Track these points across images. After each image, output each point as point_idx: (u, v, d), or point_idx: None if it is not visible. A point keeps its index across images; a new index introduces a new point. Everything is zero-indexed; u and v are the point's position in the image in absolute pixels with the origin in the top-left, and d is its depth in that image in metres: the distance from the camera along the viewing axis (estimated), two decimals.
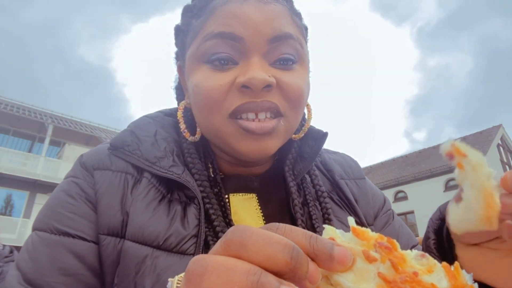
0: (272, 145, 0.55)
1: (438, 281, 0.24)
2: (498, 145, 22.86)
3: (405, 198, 23.51)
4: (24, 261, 0.50)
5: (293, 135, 0.65)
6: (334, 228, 0.28)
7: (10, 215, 15.41)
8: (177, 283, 0.40)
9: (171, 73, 0.71)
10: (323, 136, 0.67)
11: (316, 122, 0.68)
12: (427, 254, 0.26)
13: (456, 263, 0.26)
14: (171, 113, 0.69)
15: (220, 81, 0.54)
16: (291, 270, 0.23)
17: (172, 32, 0.67)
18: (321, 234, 0.27)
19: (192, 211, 0.53)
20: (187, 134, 0.61)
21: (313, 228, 0.60)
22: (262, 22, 0.54)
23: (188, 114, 0.64)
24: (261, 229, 0.25)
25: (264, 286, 0.22)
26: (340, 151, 0.82)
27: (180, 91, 0.68)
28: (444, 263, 0.26)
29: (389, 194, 23.46)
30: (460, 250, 0.44)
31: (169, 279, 0.41)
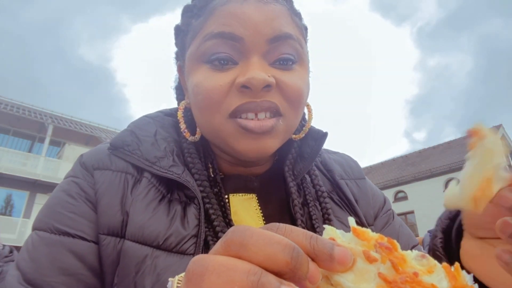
0: (271, 145, 0.55)
1: (438, 282, 0.24)
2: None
3: (405, 198, 23.51)
4: (24, 261, 0.50)
5: (293, 135, 0.65)
6: (335, 229, 0.28)
7: (10, 215, 15.41)
8: (178, 283, 0.40)
9: (171, 73, 0.71)
10: (323, 136, 0.67)
11: (316, 122, 0.68)
12: (427, 255, 0.26)
13: (457, 263, 0.26)
14: (171, 113, 0.69)
15: (220, 81, 0.54)
16: (292, 270, 0.23)
17: (172, 32, 0.67)
18: (321, 234, 0.27)
19: (192, 211, 0.53)
20: (187, 134, 0.61)
21: (313, 228, 0.60)
22: (262, 22, 0.54)
23: (188, 114, 0.64)
24: (262, 229, 0.25)
25: (264, 286, 0.22)
26: (340, 151, 0.82)
27: (180, 91, 0.68)
28: (445, 263, 0.26)
29: (389, 194, 23.46)
30: (464, 239, 0.45)
31: (170, 279, 0.41)
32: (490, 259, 0.41)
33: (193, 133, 0.62)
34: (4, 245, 2.35)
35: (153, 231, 0.50)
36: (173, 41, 0.68)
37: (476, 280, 0.43)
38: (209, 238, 0.53)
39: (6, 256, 2.28)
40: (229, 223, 0.56)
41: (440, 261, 0.46)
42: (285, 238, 0.24)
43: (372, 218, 0.69)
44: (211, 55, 0.55)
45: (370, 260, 0.25)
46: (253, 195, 0.62)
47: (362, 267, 0.25)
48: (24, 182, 15.43)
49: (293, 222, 0.60)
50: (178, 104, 0.66)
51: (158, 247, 0.49)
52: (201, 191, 0.56)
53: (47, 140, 17.03)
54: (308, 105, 0.65)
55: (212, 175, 0.61)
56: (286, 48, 0.56)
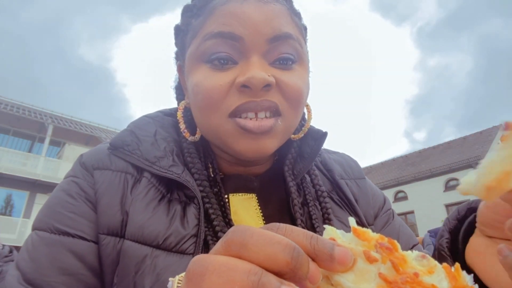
0: (270, 145, 0.55)
1: (439, 282, 0.24)
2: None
3: (405, 198, 23.52)
4: (24, 261, 0.50)
5: (293, 135, 0.65)
6: (335, 229, 0.28)
7: (10, 215, 15.41)
8: (178, 283, 0.40)
9: (171, 73, 0.71)
10: (322, 135, 0.67)
11: (316, 122, 0.68)
12: (427, 255, 0.26)
13: (457, 264, 0.26)
14: (171, 113, 0.69)
15: (220, 81, 0.54)
16: (292, 270, 0.23)
17: (172, 32, 0.67)
18: (321, 234, 0.27)
19: (191, 210, 0.53)
20: (187, 134, 0.61)
21: (313, 228, 0.60)
22: (261, 22, 0.54)
23: (188, 114, 0.64)
24: (262, 229, 0.25)
25: (264, 286, 0.22)
26: (340, 151, 0.82)
27: (180, 91, 0.68)
28: (445, 264, 0.26)
29: (389, 194, 23.47)
30: (473, 236, 0.46)
31: (170, 279, 0.41)
32: (493, 257, 0.42)
33: (193, 133, 0.62)
34: (3, 245, 2.35)
35: (153, 230, 0.50)
36: (173, 41, 0.68)
37: (476, 280, 0.44)
38: (209, 237, 0.53)
39: (6, 256, 2.28)
40: (228, 223, 0.56)
41: (445, 261, 0.46)
42: (286, 238, 0.24)
43: (372, 218, 0.69)
44: (211, 55, 0.55)
45: (370, 260, 0.25)
46: (253, 195, 0.62)
47: (363, 267, 0.25)
48: (24, 182, 15.43)
49: (293, 222, 0.60)
50: (178, 104, 0.66)
51: (157, 246, 0.49)
52: (200, 191, 0.56)
53: (47, 140, 17.03)
54: (307, 105, 0.65)
55: (212, 175, 0.61)
56: (286, 48, 0.56)
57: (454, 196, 20.72)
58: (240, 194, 0.62)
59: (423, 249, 0.67)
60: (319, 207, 0.63)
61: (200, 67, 0.56)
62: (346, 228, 0.62)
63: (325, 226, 0.29)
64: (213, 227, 0.54)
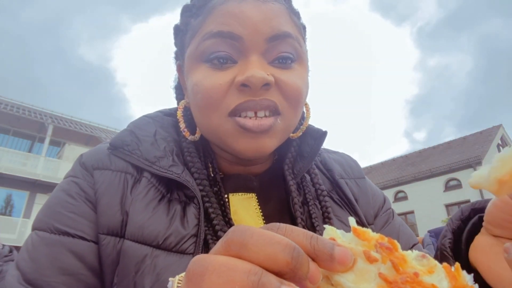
0: (270, 144, 0.55)
1: (439, 282, 0.24)
2: (498, 145, 22.87)
3: (405, 198, 23.52)
4: (24, 261, 0.50)
5: (292, 134, 0.65)
6: (335, 229, 0.28)
7: (10, 215, 15.41)
8: (178, 283, 0.40)
9: (171, 73, 0.71)
10: (322, 135, 0.67)
11: (316, 122, 0.68)
12: (427, 255, 0.26)
13: (457, 264, 0.26)
14: (171, 113, 0.69)
15: (220, 80, 0.54)
16: (292, 270, 0.23)
17: (172, 32, 0.67)
18: (321, 233, 0.27)
19: (191, 210, 0.53)
20: (187, 134, 0.61)
21: (313, 227, 0.60)
22: (260, 21, 0.54)
23: (188, 113, 0.64)
24: (262, 229, 0.25)
25: (265, 286, 0.22)
26: (340, 151, 0.82)
27: (180, 91, 0.68)
28: (445, 264, 0.26)
29: (389, 194, 23.49)
30: (479, 235, 0.47)
31: (170, 279, 0.41)
32: (497, 256, 0.42)
33: (192, 132, 0.62)
34: (3, 245, 2.35)
35: (153, 230, 0.50)
36: (173, 41, 0.68)
37: (479, 279, 0.44)
38: (209, 237, 0.53)
39: (6, 256, 2.28)
40: (228, 222, 0.56)
41: (447, 261, 0.47)
42: (286, 238, 0.24)
43: (372, 217, 0.69)
44: (210, 54, 0.55)
45: (370, 260, 0.25)
46: (253, 194, 0.62)
47: (363, 267, 0.25)
48: (24, 182, 15.43)
49: (293, 221, 0.60)
50: (178, 104, 0.66)
51: (157, 246, 0.49)
52: (200, 190, 0.56)
53: (47, 140, 17.03)
54: (306, 104, 0.65)
55: (212, 175, 0.61)
56: (285, 47, 0.56)
57: (454, 196, 20.74)
58: (240, 193, 0.62)
59: (423, 249, 0.67)
60: (319, 206, 0.64)
61: (199, 67, 0.56)
62: (346, 227, 0.62)
63: (325, 226, 0.29)
64: (213, 226, 0.54)
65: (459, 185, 20.91)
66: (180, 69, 0.67)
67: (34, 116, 16.92)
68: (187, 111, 0.64)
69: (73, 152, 16.91)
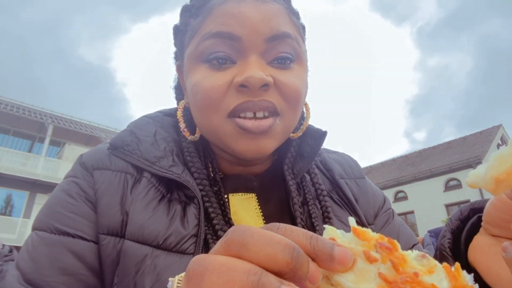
0: (269, 145, 0.55)
1: (439, 282, 0.24)
2: (498, 145, 22.86)
3: (405, 198, 23.53)
4: (24, 261, 0.50)
5: (292, 134, 0.65)
6: (335, 229, 0.28)
7: (10, 215, 15.41)
8: (178, 283, 0.40)
9: (171, 73, 0.71)
10: (322, 135, 0.67)
11: (316, 122, 0.68)
12: (427, 255, 0.26)
13: (457, 263, 0.26)
14: (171, 113, 0.69)
15: (219, 80, 0.54)
16: (292, 270, 0.23)
17: (172, 32, 0.67)
18: (321, 233, 0.27)
19: (191, 210, 0.53)
20: (187, 134, 0.61)
21: (312, 227, 0.60)
22: (259, 21, 0.54)
23: (188, 113, 0.64)
24: (262, 229, 0.25)
25: (264, 286, 0.22)
26: (340, 151, 0.82)
27: (180, 91, 0.68)
28: (445, 263, 0.26)
29: (389, 194, 23.49)
30: (478, 235, 0.47)
31: (170, 279, 0.41)
32: (496, 256, 0.42)
33: (192, 132, 0.62)
34: (3, 245, 2.35)
35: (153, 230, 0.50)
36: (173, 41, 0.68)
37: (478, 279, 0.44)
38: (209, 237, 0.53)
39: (6, 255, 2.28)
40: (228, 222, 0.56)
41: (446, 261, 0.47)
42: (286, 238, 0.24)
43: (372, 217, 0.69)
44: (209, 55, 0.55)
45: (370, 260, 0.25)
46: (253, 194, 0.62)
47: (363, 267, 0.25)
48: (24, 182, 15.43)
49: (293, 221, 0.60)
50: (178, 104, 0.66)
51: (158, 246, 0.49)
52: (200, 190, 0.56)
53: (47, 140, 17.03)
54: (306, 104, 0.65)
55: (212, 175, 0.61)
56: (284, 47, 0.56)
57: (454, 196, 20.74)
58: (239, 194, 0.62)
59: (423, 249, 0.67)
60: (318, 206, 0.64)
61: (198, 67, 0.56)
62: (346, 227, 0.62)
63: (325, 226, 0.29)
64: (213, 226, 0.54)
65: (459, 185, 20.91)
66: (179, 69, 0.67)
67: (34, 116, 16.92)
68: (187, 111, 0.64)
69: (73, 152, 16.91)
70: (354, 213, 0.66)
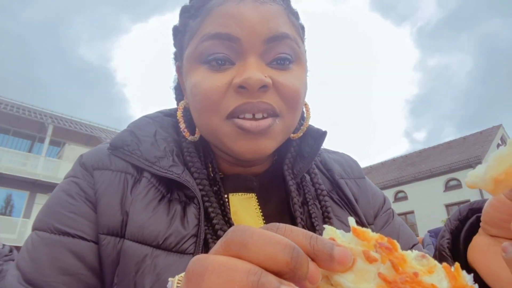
0: (268, 145, 0.55)
1: (439, 282, 0.24)
2: (498, 145, 22.85)
3: (405, 198, 23.53)
4: (24, 261, 0.50)
5: (292, 134, 0.65)
6: (335, 229, 0.28)
7: (10, 215, 15.40)
8: (178, 283, 0.40)
9: (171, 73, 0.71)
10: (322, 135, 0.67)
11: (316, 122, 0.68)
12: (427, 255, 0.26)
13: (457, 264, 0.26)
14: (171, 114, 0.69)
15: (218, 82, 0.54)
16: (291, 270, 0.23)
17: (171, 32, 0.67)
18: (320, 233, 0.27)
19: (191, 210, 0.54)
20: (186, 134, 0.61)
21: (312, 227, 0.60)
22: (258, 23, 0.54)
23: (188, 114, 0.64)
24: (262, 229, 0.25)
25: (264, 286, 0.22)
26: (340, 151, 0.82)
27: (179, 92, 0.68)
28: (445, 264, 0.26)
29: (389, 194, 23.49)
30: (477, 235, 0.47)
31: (170, 279, 0.41)
32: (495, 256, 0.42)
33: (192, 132, 0.62)
34: (4, 245, 2.35)
35: (153, 230, 0.50)
36: (172, 41, 0.68)
37: (477, 279, 0.44)
38: (209, 236, 0.53)
39: (6, 255, 2.28)
40: (228, 222, 0.56)
41: (446, 261, 0.47)
42: (285, 238, 0.24)
43: (372, 217, 0.69)
44: (209, 56, 0.55)
45: (370, 260, 0.25)
46: (253, 194, 0.62)
47: (362, 267, 0.25)
48: (24, 182, 15.43)
49: (293, 221, 0.60)
50: (177, 104, 0.66)
51: (158, 246, 0.49)
52: (200, 190, 0.56)
53: (47, 140, 17.03)
54: (306, 104, 0.65)
55: (212, 175, 0.62)
56: (283, 48, 0.56)
57: (454, 196, 20.74)
58: (239, 194, 0.62)
59: (423, 249, 0.67)
60: (318, 206, 0.64)
61: (198, 68, 0.56)
62: (346, 227, 0.62)
63: (324, 226, 0.29)
64: (213, 226, 0.54)
65: (459, 185, 20.91)
66: (179, 70, 0.67)
67: (34, 116, 16.92)
68: (186, 111, 0.64)
69: (73, 152, 16.91)
70: (354, 213, 0.66)
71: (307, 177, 0.67)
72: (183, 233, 0.51)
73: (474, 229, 0.49)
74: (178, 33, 0.64)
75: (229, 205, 0.59)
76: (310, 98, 0.64)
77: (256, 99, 0.53)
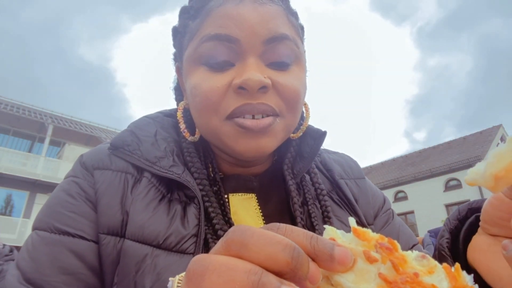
0: (269, 144, 0.56)
1: (439, 282, 0.24)
2: (498, 145, 22.81)
3: (405, 198, 23.53)
4: (24, 261, 0.50)
5: (292, 134, 0.66)
6: (335, 229, 0.28)
7: (10, 215, 15.40)
8: (178, 283, 0.40)
9: (171, 73, 0.71)
10: (322, 135, 0.67)
11: (316, 122, 0.68)
12: (427, 255, 0.26)
13: (457, 264, 0.26)
14: (171, 114, 0.69)
15: (218, 82, 0.54)
16: (292, 270, 0.23)
17: (171, 33, 0.67)
18: (320, 233, 0.27)
19: (192, 210, 0.54)
20: (187, 134, 0.61)
21: (312, 227, 0.60)
22: (257, 24, 0.54)
23: (188, 114, 0.64)
24: (262, 229, 0.25)
25: (265, 286, 0.22)
26: (340, 151, 0.82)
27: (179, 92, 0.69)
28: (445, 264, 0.26)
29: (389, 194, 23.49)
30: (476, 235, 0.47)
31: (170, 279, 0.41)
32: (496, 255, 0.42)
33: (192, 133, 0.63)
34: (4, 244, 2.35)
35: (153, 230, 0.50)
36: (172, 42, 0.68)
37: (477, 279, 0.44)
38: (209, 236, 0.53)
39: (6, 255, 2.28)
40: (228, 222, 0.56)
41: (445, 261, 0.47)
42: (286, 238, 0.24)
43: (372, 218, 0.69)
44: (208, 57, 0.55)
45: (370, 260, 0.25)
46: (253, 194, 0.62)
47: (363, 267, 0.25)
48: (24, 182, 15.43)
49: (293, 221, 0.60)
50: (177, 105, 0.66)
51: (158, 246, 0.49)
52: (200, 190, 0.56)
53: (47, 140, 17.03)
54: (305, 104, 0.66)
55: (212, 175, 0.62)
56: (282, 49, 0.56)
57: (454, 196, 20.75)
58: (239, 194, 0.62)
59: (423, 249, 0.67)
60: (318, 206, 0.64)
61: (197, 69, 0.56)
62: (346, 227, 0.62)
63: (325, 226, 0.29)
64: (213, 226, 0.54)
65: (459, 185, 20.92)
66: (179, 70, 0.67)
67: (34, 116, 16.92)
68: (186, 112, 0.64)
69: (73, 152, 16.92)
70: (354, 213, 0.66)
71: (307, 177, 0.68)
72: (183, 233, 0.51)
73: (473, 228, 0.49)
74: (178, 34, 0.64)
75: (229, 205, 0.59)
76: (310, 98, 0.64)
77: (256, 100, 0.53)
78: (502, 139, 23.39)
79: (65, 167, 15.44)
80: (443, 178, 21.78)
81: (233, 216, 0.58)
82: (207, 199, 0.56)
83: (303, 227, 0.59)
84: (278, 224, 0.27)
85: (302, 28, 0.65)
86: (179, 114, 0.63)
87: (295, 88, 0.56)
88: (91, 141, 18.56)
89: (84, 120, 19.73)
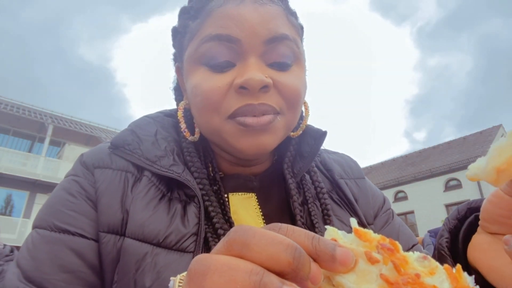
0: (270, 141, 0.56)
1: (440, 283, 0.24)
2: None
3: (405, 198, 23.53)
4: (24, 259, 0.50)
5: (292, 133, 0.66)
6: (336, 229, 0.28)
7: (10, 215, 15.40)
8: (179, 282, 0.40)
9: (171, 73, 0.71)
10: (322, 135, 0.67)
11: (316, 121, 0.68)
12: (429, 256, 0.26)
13: (458, 265, 0.26)
14: (171, 114, 0.69)
15: (218, 82, 0.54)
16: (293, 271, 0.23)
17: (170, 33, 0.67)
18: (321, 232, 0.27)
19: (192, 209, 0.54)
20: (187, 134, 0.62)
21: (312, 226, 0.60)
22: (258, 24, 0.54)
23: (188, 114, 0.64)
24: (264, 229, 0.25)
25: (266, 286, 0.22)
26: (340, 151, 0.82)
27: (179, 92, 0.69)
28: (446, 265, 0.26)
29: (389, 194, 23.49)
30: (476, 234, 0.47)
31: (171, 278, 0.41)
32: (496, 253, 0.42)
33: (192, 133, 0.63)
34: (5, 245, 2.35)
35: (154, 229, 0.50)
36: (171, 42, 0.68)
37: (477, 280, 0.44)
38: (209, 235, 0.53)
39: (7, 255, 2.28)
40: (228, 221, 0.56)
41: (445, 260, 0.47)
42: (287, 238, 0.24)
43: (372, 218, 0.69)
44: (209, 57, 0.55)
45: (372, 261, 0.25)
46: (253, 194, 0.62)
47: (364, 268, 0.25)
48: (24, 182, 15.43)
49: (293, 221, 0.60)
50: (177, 105, 0.66)
51: (158, 244, 0.50)
52: (200, 189, 0.56)
53: (47, 140, 17.03)
54: (305, 103, 0.66)
55: (212, 174, 0.62)
56: (283, 49, 0.56)
57: (454, 196, 20.75)
58: (239, 193, 0.62)
59: (423, 249, 0.67)
60: (318, 205, 0.64)
61: (198, 69, 0.56)
62: (346, 227, 0.63)
63: (326, 226, 0.29)
64: (213, 225, 0.54)
65: (459, 185, 20.92)
66: (179, 71, 0.67)
67: (34, 116, 16.92)
68: (187, 112, 0.64)
69: (73, 152, 16.92)
70: (354, 213, 0.66)
71: (307, 177, 0.68)
72: (184, 231, 0.51)
73: (473, 228, 0.49)
74: (178, 34, 0.64)
75: (229, 204, 0.60)
76: (310, 98, 0.64)
77: (257, 101, 0.53)
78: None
79: (65, 167, 15.44)
80: (443, 178, 21.78)
81: (233, 216, 0.58)
82: (207, 198, 0.56)
83: (303, 226, 0.59)
84: (279, 224, 0.27)
85: (301, 27, 0.65)
86: (180, 114, 0.63)
87: (296, 87, 0.57)
88: (91, 141, 18.56)
89: (84, 120, 19.73)
